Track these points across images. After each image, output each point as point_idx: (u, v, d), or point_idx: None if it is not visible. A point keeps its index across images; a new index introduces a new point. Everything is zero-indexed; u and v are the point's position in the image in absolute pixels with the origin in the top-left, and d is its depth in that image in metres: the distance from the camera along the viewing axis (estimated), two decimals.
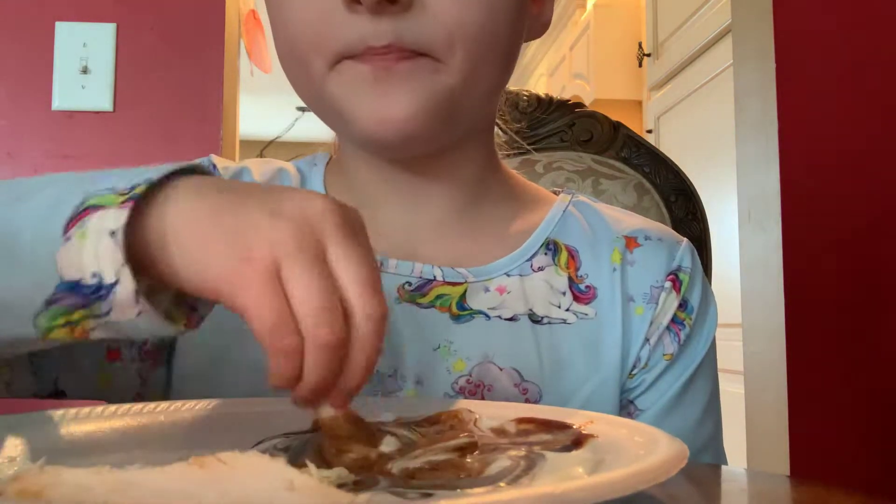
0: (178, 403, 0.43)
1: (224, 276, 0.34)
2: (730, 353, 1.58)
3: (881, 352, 1.53)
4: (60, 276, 0.35)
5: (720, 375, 0.62)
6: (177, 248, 0.35)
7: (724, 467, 0.51)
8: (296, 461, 0.34)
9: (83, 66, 1.39)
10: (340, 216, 0.35)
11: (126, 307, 0.35)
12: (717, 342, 0.61)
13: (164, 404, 0.43)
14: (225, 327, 0.44)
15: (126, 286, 0.34)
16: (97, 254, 0.34)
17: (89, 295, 0.35)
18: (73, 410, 0.40)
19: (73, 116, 1.39)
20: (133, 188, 0.35)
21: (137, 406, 0.42)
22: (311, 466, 0.29)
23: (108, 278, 0.34)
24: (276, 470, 0.27)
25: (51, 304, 0.36)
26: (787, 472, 1.50)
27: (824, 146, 1.56)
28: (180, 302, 0.39)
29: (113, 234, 0.34)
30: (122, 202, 0.35)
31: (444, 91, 0.50)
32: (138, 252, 0.35)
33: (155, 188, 0.36)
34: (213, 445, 0.31)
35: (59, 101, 1.39)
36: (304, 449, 0.37)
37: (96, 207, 0.35)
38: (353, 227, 0.36)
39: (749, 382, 1.67)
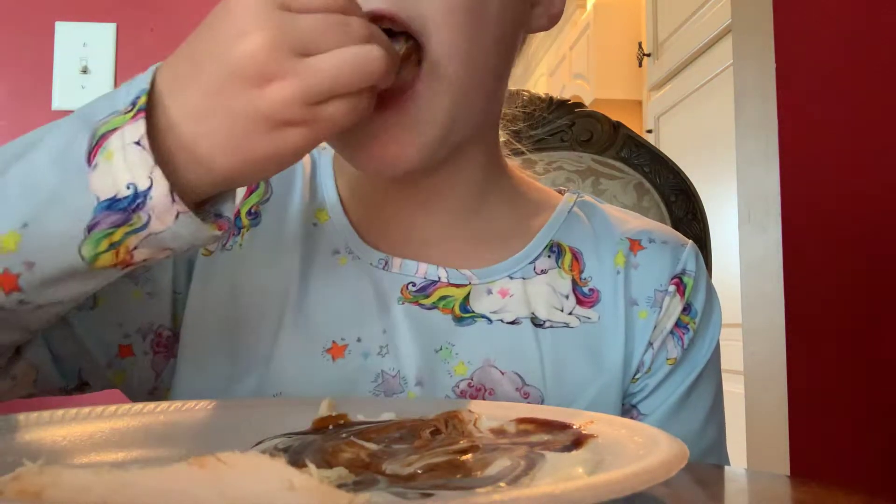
0: (178, 403, 0.43)
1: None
2: (730, 353, 1.58)
3: (881, 352, 1.53)
4: (97, 197, 0.37)
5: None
6: (196, 132, 0.38)
7: (724, 467, 0.51)
8: (296, 461, 0.34)
9: (83, 66, 1.39)
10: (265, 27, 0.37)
11: (164, 211, 0.37)
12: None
13: (164, 404, 0.43)
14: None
15: (160, 186, 0.37)
16: (127, 165, 0.37)
17: (127, 207, 0.37)
18: (73, 410, 0.40)
19: None
20: (135, 102, 0.38)
21: (137, 406, 0.42)
22: (311, 466, 0.29)
23: (142, 184, 0.37)
24: (276, 470, 0.27)
25: (92, 229, 0.38)
26: (787, 472, 1.49)
27: (824, 146, 1.56)
28: (205, 217, 0.41)
29: (138, 142, 0.37)
30: (133, 116, 0.37)
31: (440, 113, 0.49)
32: (162, 157, 0.37)
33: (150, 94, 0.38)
34: (213, 445, 0.31)
35: (59, 101, 1.39)
36: (304, 449, 0.37)
37: (110, 132, 0.37)
38: None
39: (749, 382, 1.67)
